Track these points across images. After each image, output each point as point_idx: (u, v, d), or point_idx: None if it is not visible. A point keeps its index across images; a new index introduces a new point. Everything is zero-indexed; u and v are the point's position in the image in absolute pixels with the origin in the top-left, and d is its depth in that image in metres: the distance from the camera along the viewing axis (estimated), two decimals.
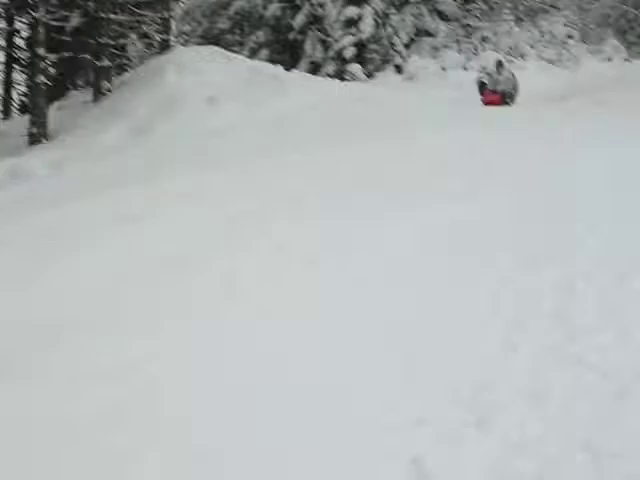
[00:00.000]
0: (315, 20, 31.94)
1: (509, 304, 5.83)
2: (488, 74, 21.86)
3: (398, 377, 4.76)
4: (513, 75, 21.44)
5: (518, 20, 33.71)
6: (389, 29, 30.75)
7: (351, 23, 29.07)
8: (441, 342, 5.27)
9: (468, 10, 31.69)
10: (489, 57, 26.32)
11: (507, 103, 20.65)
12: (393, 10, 31.26)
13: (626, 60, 30.63)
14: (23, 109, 38.56)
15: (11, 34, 37.52)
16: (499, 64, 21.67)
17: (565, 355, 4.93)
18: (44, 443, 4.12)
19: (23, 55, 37.72)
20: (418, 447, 4.00)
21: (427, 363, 4.97)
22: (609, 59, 30.57)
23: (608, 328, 5.28)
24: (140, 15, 27.22)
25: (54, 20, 22.15)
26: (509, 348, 5.09)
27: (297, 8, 32.79)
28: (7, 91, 39.18)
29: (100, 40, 22.55)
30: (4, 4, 29.18)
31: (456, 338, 5.31)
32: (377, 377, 4.82)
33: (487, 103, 20.63)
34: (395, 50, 30.35)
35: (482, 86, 21.50)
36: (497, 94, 20.79)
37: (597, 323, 5.40)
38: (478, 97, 21.37)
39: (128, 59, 31.51)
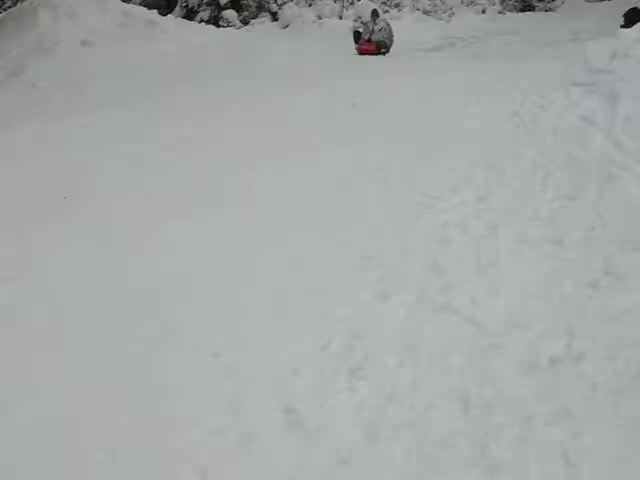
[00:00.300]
0: None
1: None
2: (363, 23, 21.81)
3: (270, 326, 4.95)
4: (388, 25, 21.13)
5: None
6: None
7: None
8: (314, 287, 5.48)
9: None
10: (365, 6, 26.44)
11: (382, 53, 20.37)
12: None
13: (500, 13, 31.19)
14: None
15: None
16: (374, 13, 21.44)
17: None
18: None
19: None
20: (291, 396, 4.16)
21: (299, 310, 5.12)
22: (483, 11, 31.08)
23: None
24: None
25: None
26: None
27: None
28: None
29: None
30: None
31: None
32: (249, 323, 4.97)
33: (361, 53, 20.32)
34: None
35: (357, 35, 21.38)
36: (371, 44, 20.51)
37: None
38: (353, 46, 21.05)
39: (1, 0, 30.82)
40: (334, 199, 7.16)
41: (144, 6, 26.08)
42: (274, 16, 28.79)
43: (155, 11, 23.91)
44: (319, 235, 6.27)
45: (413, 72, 14.43)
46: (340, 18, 26.58)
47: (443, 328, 4.68)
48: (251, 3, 29.93)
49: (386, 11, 27.21)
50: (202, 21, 28.03)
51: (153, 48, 20.12)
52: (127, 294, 5.41)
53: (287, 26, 25.62)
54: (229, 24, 27.19)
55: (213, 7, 29.22)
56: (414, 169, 7.73)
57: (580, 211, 6.15)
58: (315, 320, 4.87)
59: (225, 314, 5.10)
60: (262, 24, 27.18)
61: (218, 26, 26.47)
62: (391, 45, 20.66)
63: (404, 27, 24.31)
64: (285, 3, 29.30)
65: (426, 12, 29.06)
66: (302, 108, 11.29)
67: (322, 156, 8.37)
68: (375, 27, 20.79)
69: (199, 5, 30.68)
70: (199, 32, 22.87)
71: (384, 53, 20.32)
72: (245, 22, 28.20)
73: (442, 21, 28.03)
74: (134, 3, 28.88)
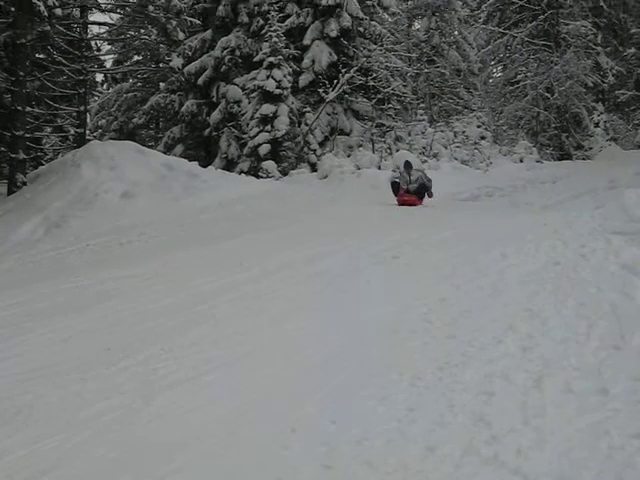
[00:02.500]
0: (230, 117, 32.23)
1: None
2: (400, 174, 21.35)
3: None
4: (424, 173, 20.99)
5: (432, 120, 34.45)
6: (304, 127, 31.18)
7: (266, 120, 29.31)
8: None
9: (382, 110, 32.18)
10: (403, 157, 26.59)
11: (421, 202, 20.09)
12: (308, 108, 31.68)
13: (537, 161, 31.26)
14: None
15: None
16: (407, 165, 21.06)
17: None
18: None
19: None
20: None
21: (347, 465, 5.02)
22: (521, 160, 31.16)
23: None
24: (56, 108, 27.32)
25: None
26: None
27: (213, 105, 33.09)
28: None
29: (16, 133, 22.51)
30: None
31: None
32: None
33: (402, 203, 19.95)
34: (310, 148, 30.71)
35: (395, 186, 20.90)
36: (411, 195, 20.22)
37: None
38: (391, 196, 20.67)
39: (43, 152, 31.45)
40: (378, 344, 7.08)
41: (184, 158, 26.46)
42: (313, 167, 29.10)
43: (196, 163, 24.22)
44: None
45: (451, 222, 14.40)
46: (379, 168, 26.70)
47: None
48: (290, 154, 30.33)
49: (424, 161, 27.36)
50: (242, 172, 28.37)
51: (193, 199, 20.28)
52: None
53: (326, 176, 25.77)
54: (268, 175, 27.45)
55: (253, 158, 29.59)
56: (457, 320, 7.63)
57: (625, 361, 6.03)
58: (362, 473, 4.67)
59: None
60: (301, 174, 27.39)
61: (258, 177, 26.75)
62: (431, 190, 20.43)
63: (442, 177, 24.40)
64: (324, 154, 29.63)
65: (464, 162, 29.20)
66: (337, 262, 11.27)
67: (365, 313, 8.24)
68: (411, 177, 20.57)
69: (239, 156, 31.15)
70: (239, 183, 23.05)
71: (421, 201, 20.27)
72: (284, 173, 28.48)
73: (479, 170, 28.07)
74: (175, 154, 29.41)
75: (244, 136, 30.88)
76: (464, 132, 32.37)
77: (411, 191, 20.34)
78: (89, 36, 30.02)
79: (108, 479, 4.80)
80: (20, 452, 5.33)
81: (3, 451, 5.35)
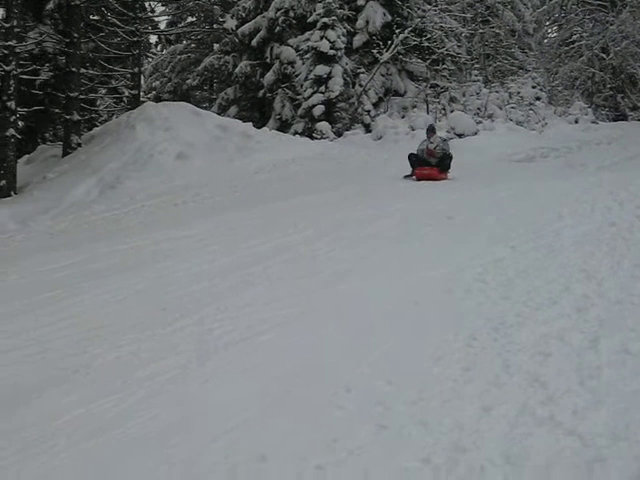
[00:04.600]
0: (284, 78, 32.15)
1: None
2: (421, 143, 18.40)
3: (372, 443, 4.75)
4: (447, 143, 18.41)
5: (487, 81, 34.06)
6: (358, 88, 31.01)
7: (320, 82, 29.18)
8: None
9: (437, 70, 31.88)
10: (460, 118, 26.34)
11: (444, 171, 17.44)
12: (362, 69, 31.50)
13: (592, 122, 30.82)
14: None
15: None
16: (430, 129, 18.54)
17: None
18: None
19: None
20: None
21: (401, 425, 4.98)
22: (576, 121, 30.74)
23: None
24: (110, 70, 27.36)
25: (25, 73, 22.23)
26: None
27: (267, 66, 33.01)
28: None
29: (70, 94, 22.58)
30: None
31: None
32: None
33: (421, 177, 17.10)
34: (364, 109, 30.54)
35: (413, 158, 17.84)
36: (432, 166, 17.39)
37: None
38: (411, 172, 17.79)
39: (97, 114, 31.57)
40: (433, 304, 7.05)
41: (238, 119, 26.42)
42: (367, 128, 28.96)
43: (250, 124, 24.16)
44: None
45: (505, 184, 14.28)
46: None
47: (546, 441, 4.45)
48: (344, 115, 30.17)
49: (479, 122, 27.08)
50: (296, 133, 28.30)
51: (247, 160, 20.27)
52: None
53: (380, 137, 25.65)
54: (322, 136, 27.34)
55: (307, 119, 29.52)
56: (512, 281, 7.61)
57: None
58: (417, 433, 4.63)
59: None
60: (355, 135, 27.26)
61: (312, 138, 26.65)
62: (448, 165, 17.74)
63: (496, 138, 24.21)
64: (378, 115, 29.48)
65: (518, 123, 28.83)
66: (391, 223, 11.23)
67: (419, 274, 8.25)
68: (430, 145, 17.97)
69: (293, 117, 31.07)
70: (293, 144, 22.99)
71: (445, 174, 17.57)
72: (338, 134, 28.36)
73: (534, 131, 27.72)
74: (229, 116, 29.38)
75: (298, 97, 30.80)
76: (519, 93, 31.97)
77: (432, 163, 17.58)
78: None
79: (162, 439, 4.80)
80: (77, 411, 5.36)
81: (61, 410, 5.38)
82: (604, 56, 36.98)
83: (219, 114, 28.19)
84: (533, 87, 33.12)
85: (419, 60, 32.53)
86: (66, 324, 7.71)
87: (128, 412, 5.28)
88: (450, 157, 17.70)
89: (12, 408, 5.58)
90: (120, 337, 6.99)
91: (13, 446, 4.93)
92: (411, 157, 17.92)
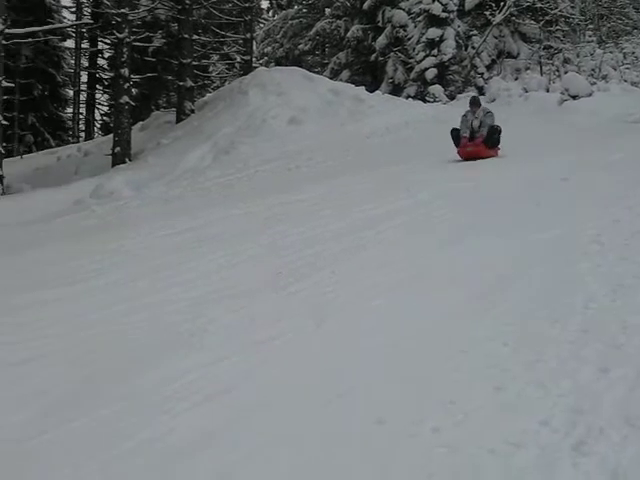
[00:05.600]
0: (397, 42, 32.01)
1: None
2: (464, 116, 16.49)
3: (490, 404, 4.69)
4: (493, 117, 16.24)
5: (601, 42, 33.36)
6: (471, 50, 30.72)
7: (433, 45, 29.03)
8: None
9: (550, 32, 31.38)
10: (574, 79, 25.75)
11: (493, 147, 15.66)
12: (475, 31, 31.21)
13: None
14: (105, 129, 39.21)
15: (94, 55, 38.34)
16: (473, 101, 16.71)
17: None
18: None
19: (106, 75, 38.51)
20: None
21: (518, 386, 4.93)
22: None
23: None
24: (222, 36, 27.56)
25: (138, 41, 22.53)
26: None
27: (379, 30, 32.89)
28: (90, 111, 39.89)
29: (183, 61, 22.81)
30: (88, 24, 29.78)
31: None
32: None
33: (465, 156, 15.44)
34: (476, 71, 30.27)
35: (455, 134, 16.11)
36: (478, 145, 15.64)
37: None
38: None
39: (210, 80, 31.86)
40: (549, 266, 6.88)
41: (351, 83, 26.36)
42: (480, 90, 28.62)
43: (362, 88, 24.09)
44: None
45: (620, 145, 14.00)
46: (547, 91, 26.02)
47: None
48: (457, 78, 29.90)
49: (593, 83, 26.50)
50: (408, 97, 28.15)
51: (360, 125, 20.21)
52: None
53: (494, 100, 25.33)
54: (435, 99, 27.16)
55: (419, 83, 29.35)
56: (629, 242, 7.46)
57: None
58: (534, 395, 4.56)
59: None
60: (468, 98, 27.00)
61: (425, 101, 26.49)
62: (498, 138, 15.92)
63: (611, 99, 23.66)
64: (491, 77, 29.13)
65: (633, 83, 28.14)
66: (507, 185, 11.06)
67: (534, 236, 8.12)
68: (474, 122, 16.15)
69: (405, 81, 30.89)
70: (406, 107, 22.84)
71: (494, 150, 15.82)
72: (451, 97, 28.13)
73: None
74: (341, 80, 29.32)
75: (410, 61, 30.66)
76: (634, 53, 31.23)
77: (477, 138, 15.76)
78: None
79: (279, 402, 4.81)
80: (195, 374, 5.41)
81: (180, 373, 5.43)
82: None
83: (331, 79, 28.20)
84: None
85: (532, 21, 32.09)
86: (182, 288, 7.81)
87: (246, 374, 5.31)
88: (498, 131, 15.83)
89: (130, 372, 5.66)
90: (235, 301, 7.04)
91: (133, 407, 5.01)
92: (453, 132, 16.19)
